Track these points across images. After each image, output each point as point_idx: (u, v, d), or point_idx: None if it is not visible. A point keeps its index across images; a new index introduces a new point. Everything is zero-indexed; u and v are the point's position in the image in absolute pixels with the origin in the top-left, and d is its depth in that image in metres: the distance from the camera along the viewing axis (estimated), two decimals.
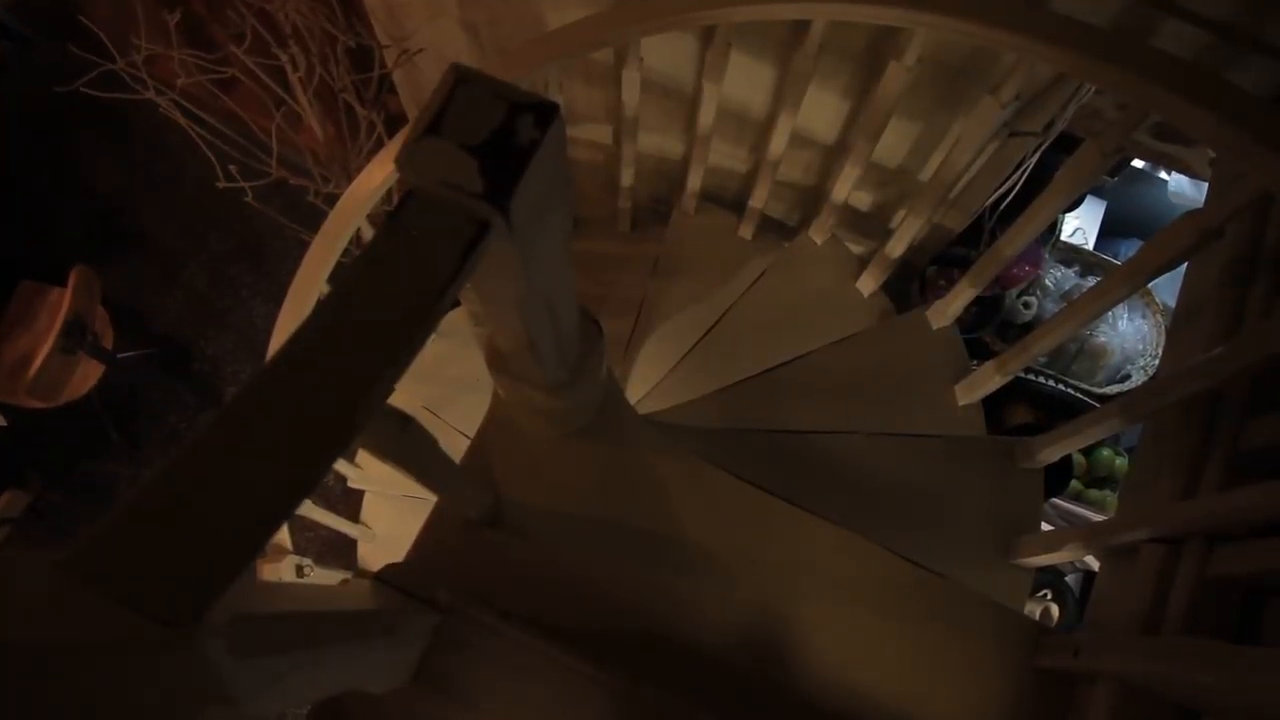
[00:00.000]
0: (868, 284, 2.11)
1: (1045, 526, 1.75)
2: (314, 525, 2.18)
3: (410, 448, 0.79)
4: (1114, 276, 1.38)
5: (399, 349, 0.62)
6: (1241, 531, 1.08)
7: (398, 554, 1.19)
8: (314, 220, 2.07)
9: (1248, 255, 1.29)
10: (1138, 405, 1.33)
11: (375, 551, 2.44)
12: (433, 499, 1.26)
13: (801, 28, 1.64)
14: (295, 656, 0.67)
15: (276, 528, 0.54)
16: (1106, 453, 2.37)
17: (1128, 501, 1.40)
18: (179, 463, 0.51)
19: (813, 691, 1.21)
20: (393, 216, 0.66)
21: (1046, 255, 2.30)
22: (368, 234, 1.91)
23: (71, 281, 2.70)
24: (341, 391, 0.58)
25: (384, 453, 0.77)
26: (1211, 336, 1.25)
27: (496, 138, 0.65)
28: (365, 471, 2.34)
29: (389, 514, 2.46)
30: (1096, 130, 1.37)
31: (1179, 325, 1.43)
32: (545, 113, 0.67)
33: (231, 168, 2.25)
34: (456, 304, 2.30)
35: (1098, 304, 1.44)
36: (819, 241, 2.17)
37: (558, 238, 0.81)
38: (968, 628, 1.27)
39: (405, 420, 0.74)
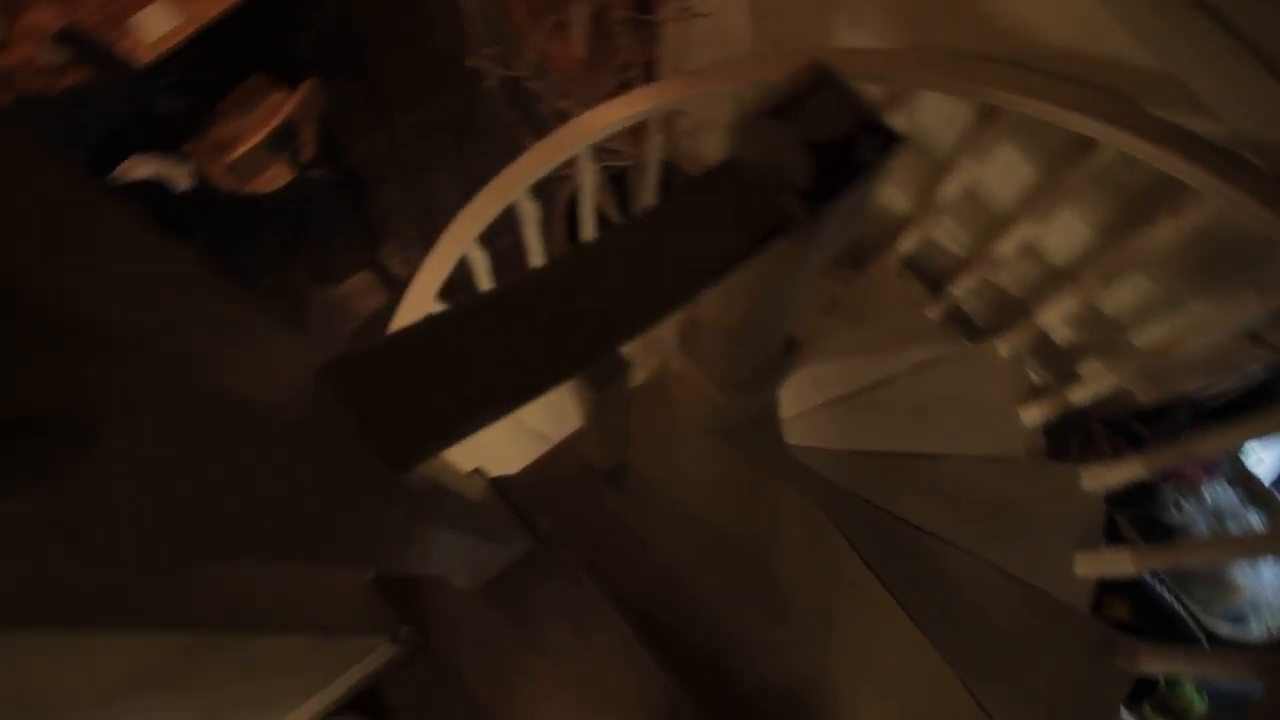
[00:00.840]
0: (1033, 415, 2.02)
1: None
2: None
3: (621, 387, 0.79)
4: None
5: (664, 304, 0.61)
6: None
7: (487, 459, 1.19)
8: (533, 127, 2.11)
9: None
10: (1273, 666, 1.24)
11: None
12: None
13: (1086, 147, 1.56)
14: (434, 528, 0.68)
15: (499, 416, 0.53)
16: (1190, 690, 2.22)
17: None
18: (460, 318, 0.52)
19: None
20: (707, 179, 0.65)
21: (1222, 466, 2.15)
22: (585, 165, 1.93)
23: (303, 90, 2.81)
24: (607, 326, 0.57)
25: (598, 404, 0.77)
26: None
27: (838, 145, 0.63)
28: None
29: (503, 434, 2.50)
30: None
31: None
32: (890, 139, 0.65)
33: (488, 51, 2.30)
34: None
35: (1269, 544, 1.34)
36: (1002, 354, 2.09)
37: (833, 252, 0.79)
38: None
39: (627, 365, 0.74)
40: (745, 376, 1.10)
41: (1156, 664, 1.53)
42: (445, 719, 1.09)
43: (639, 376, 1.32)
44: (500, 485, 1.06)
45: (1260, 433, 1.40)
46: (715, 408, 1.18)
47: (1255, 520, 2.14)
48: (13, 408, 0.24)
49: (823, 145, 0.63)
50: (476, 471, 1.04)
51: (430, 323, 0.52)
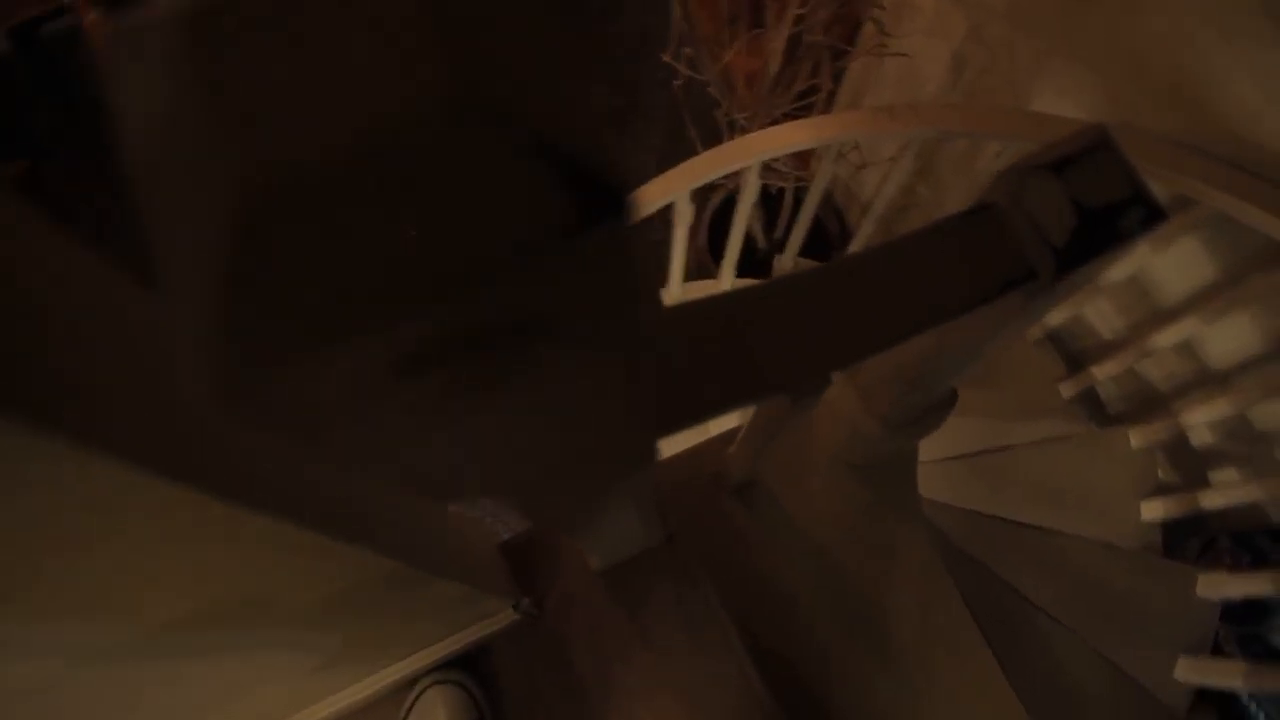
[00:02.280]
0: (1155, 511, 1.98)
1: None
2: None
3: (814, 401, 0.83)
4: None
5: (897, 334, 0.65)
6: None
7: None
8: (705, 137, 2.16)
9: None
10: None
11: None
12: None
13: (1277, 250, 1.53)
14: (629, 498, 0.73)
15: (751, 404, 0.58)
16: None
17: None
18: (758, 302, 0.57)
19: None
20: (966, 217, 0.68)
21: None
22: (751, 179, 1.97)
23: None
24: (835, 344, 0.62)
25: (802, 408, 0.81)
26: None
27: (1107, 212, 0.66)
28: None
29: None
30: None
31: None
32: (1155, 216, 0.67)
33: (687, 50, 2.35)
34: None
35: None
36: (1133, 445, 2.05)
37: (1041, 319, 0.82)
38: None
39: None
40: (903, 416, 1.12)
41: None
42: (544, 690, 1.14)
43: None
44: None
45: None
46: (862, 441, 1.20)
47: None
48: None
49: (1091, 209, 0.66)
50: None
51: (726, 300, 0.57)
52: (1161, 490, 2.01)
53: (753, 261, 2.80)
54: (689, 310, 0.62)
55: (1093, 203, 0.65)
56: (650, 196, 1.89)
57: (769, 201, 2.89)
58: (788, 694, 1.16)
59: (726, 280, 2.35)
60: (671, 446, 1.35)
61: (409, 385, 0.30)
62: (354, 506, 0.59)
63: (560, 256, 0.27)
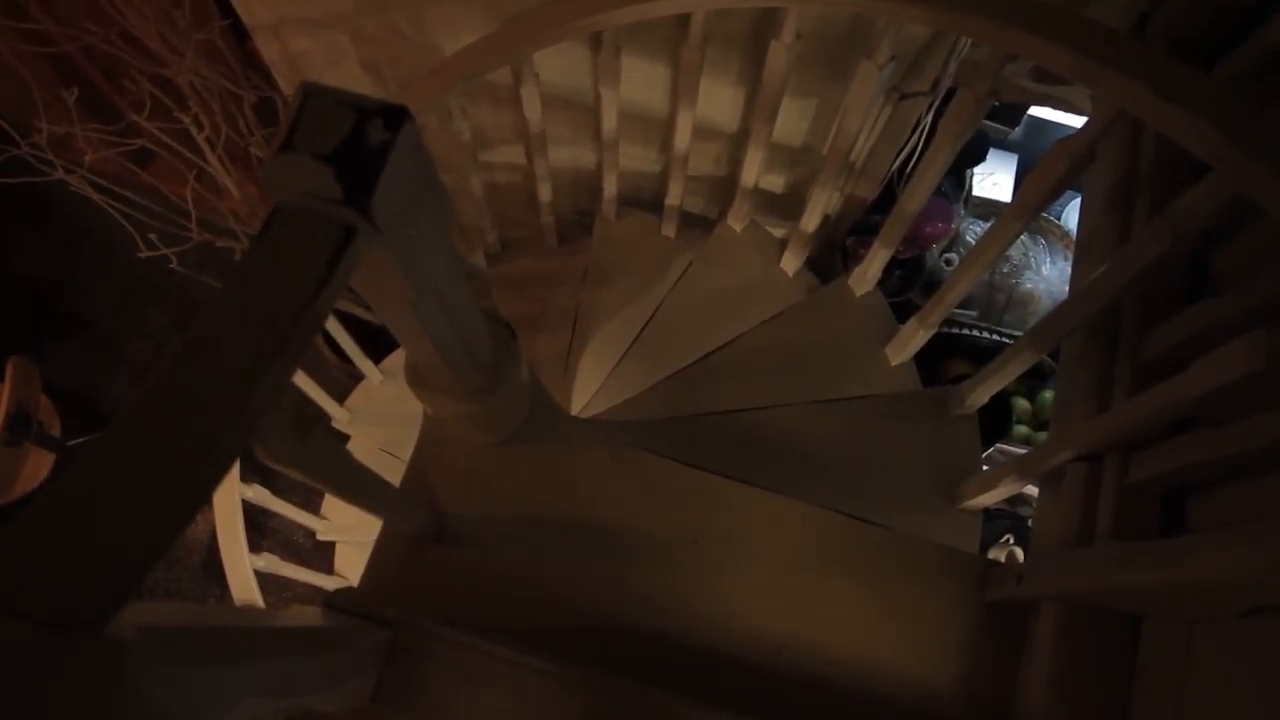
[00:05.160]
0: (791, 263, 2.15)
1: None
2: (290, 583, 2.17)
3: (320, 458, 0.81)
4: (1005, 213, 1.43)
5: (276, 358, 0.64)
6: (1154, 436, 1.13)
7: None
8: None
9: (1127, 178, 1.35)
10: (1045, 333, 1.38)
11: None
12: None
13: (685, 22, 1.69)
14: (229, 671, 0.69)
15: (174, 535, 0.56)
16: (1050, 395, 2.42)
17: (1054, 429, 1.44)
18: (68, 479, 0.53)
19: (775, 659, 1.24)
20: (260, 233, 0.68)
21: (960, 211, 2.36)
22: None
23: (9, 372, 2.67)
24: (225, 399, 0.60)
25: (297, 466, 0.79)
26: (1105, 258, 1.31)
27: (348, 144, 0.67)
28: (332, 522, 2.34)
29: (362, 563, 2.45)
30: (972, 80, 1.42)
31: (1080, 256, 1.48)
32: (393, 115, 0.70)
33: (152, 236, 2.25)
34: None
35: (997, 243, 1.48)
36: (738, 229, 2.21)
37: (436, 236, 0.84)
38: (914, 573, 1.30)
39: (306, 430, 0.76)
40: (481, 379, 1.13)
41: (978, 391, 1.66)
42: None
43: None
44: (334, 600, 1.07)
45: (939, 164, 1.54)
46: (480, 420, 1.21)
47: None
48: None
49: (332, 153, 0.67)
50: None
51: (44, 495, 0.54)
52: (783, 245, 2.19)
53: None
54: None
55: (331, 148, 0.67)
56: None
57: None
58: (594, 653, 1.16)
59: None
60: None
61: None
62: None
63: None
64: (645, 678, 1.11)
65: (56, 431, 2.89)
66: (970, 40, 1.67)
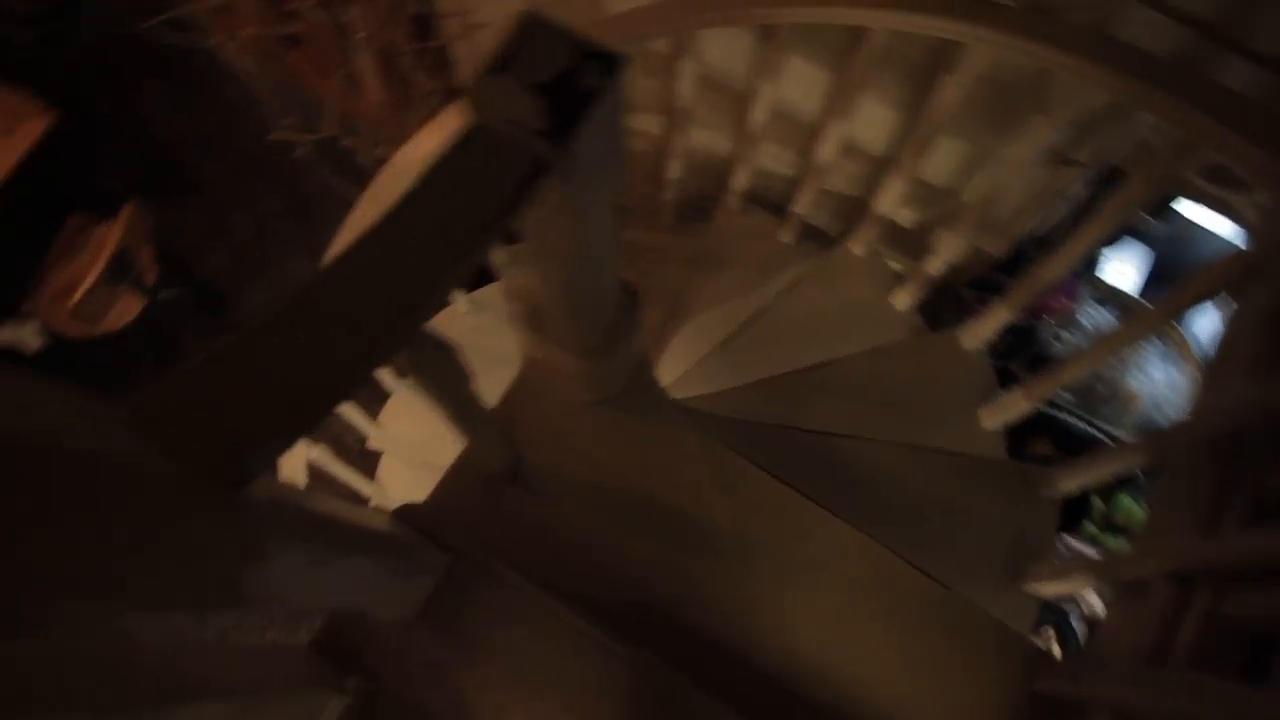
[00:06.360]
0: (903, 300, 2.10)
1: None
2: (331, 480, 2.21)
3: (447, 373, 0.81)
4: (1148, 311, 1.38)
5: (450, 268, 0.64)
6: (1256, 575, 1.07)
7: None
8: (363, 183, 2.11)
9: None
10: (1161, 442, 1.33)
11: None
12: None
13: (860, 35, 1.65)
14: (318, 550, 0.69)
15: (326, 413, 0.55)
16: (1127, 501, 2.34)
17: (1144, 537, 1.39)
18: (242, 338, 0.53)
19: (811, 683, 1.22)
20: (456, 147, 0.68)
21: (1083, 290, 2.28)
22: None
23: (125, 215, 2.75)
24: (399, 294, 0.60)
25: (415, 371, 0.79)
26: (1243, 379, 1.25)
27: (562, 80, 0.66)
28: (386, 430, 2.36)
29: (406, 479, 2.47)
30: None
31: (1216, 370, 1.41)
32: (611, 62, 0.68)
33: (286, 122, 2.28)
34: (493, 278, 2.32)
35: (1130, 337, 1.43)
36: (858, 253, 2.17)
37: (611, 193, 0.83)
38: (969, 640, 1.27)
39: (445, 346, 0.76)
40: (599, 338, 1.13)
41: (1072, 479, 1.61)
42: None
43: (510, 377, 1.34)
44: (404, 513, 1.07)
45: (1091, 240, 1.49)
46: (585, 378, 1.20)
47: None
48: None
49: (548, 84, 0.66)
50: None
51: (219, 348, 0.54)
52: (900, 280, 2.14)
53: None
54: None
55: (547, 79, 0.65)
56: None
57: None
58: (643, 632, 1.15)
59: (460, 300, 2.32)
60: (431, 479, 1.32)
61: None
62: None
63: None
64: (679, 666, 1.10)
65: (150, 282, 2.97)
66: (1150, 118, 1.61)
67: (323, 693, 0.99)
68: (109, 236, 2.73)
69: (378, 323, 0.60)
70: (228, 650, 0.82)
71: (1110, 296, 2.44)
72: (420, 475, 2.43)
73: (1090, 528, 2.27)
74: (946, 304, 2.33)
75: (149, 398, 0.50)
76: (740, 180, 2.17)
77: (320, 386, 0.56)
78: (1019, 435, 2.26)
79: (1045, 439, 2.33)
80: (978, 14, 1.37)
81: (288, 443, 0.54)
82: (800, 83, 1.88)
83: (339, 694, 1.02)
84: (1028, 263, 1.88)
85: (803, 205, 2.13)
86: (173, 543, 0.51)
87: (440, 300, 0.65)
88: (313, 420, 0.55)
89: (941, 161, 1.92)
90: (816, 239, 2.33)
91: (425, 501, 1.24)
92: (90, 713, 0.58)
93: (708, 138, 2.22)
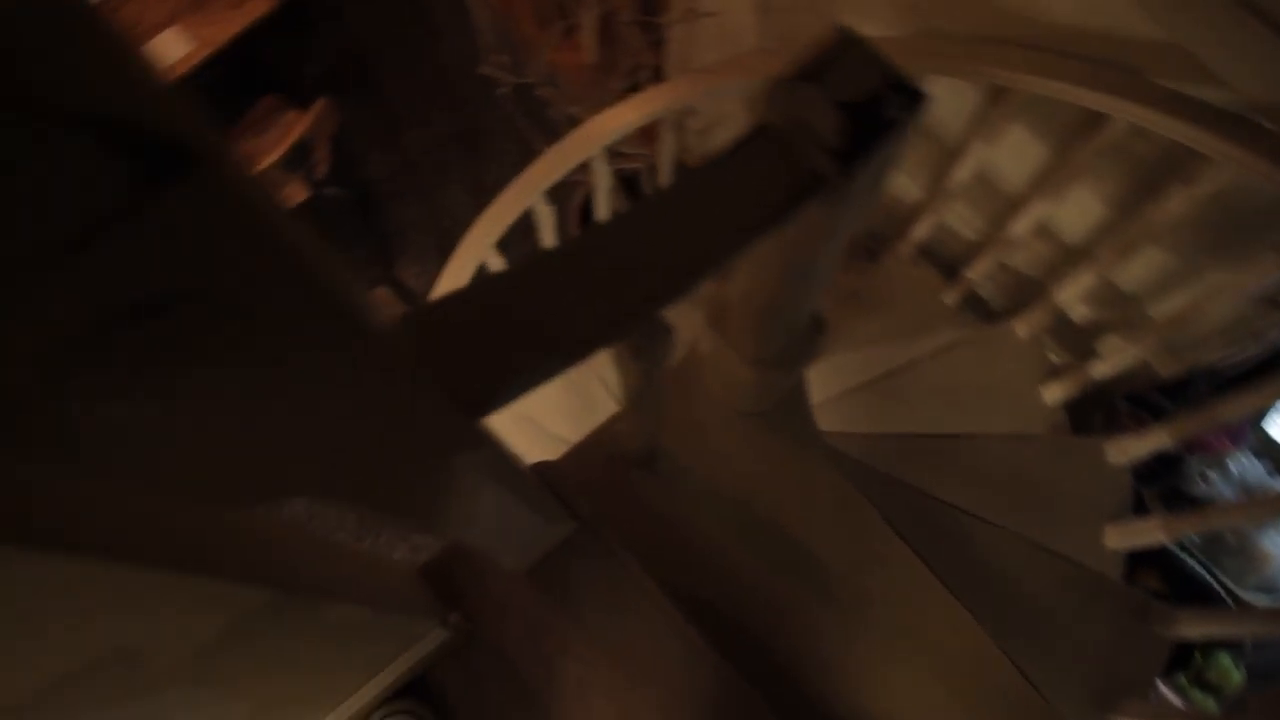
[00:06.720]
0: (1054, 393, 2.03)
1: None
2: None
3: (664, 355, 0.82)
4: None
5: (709, 260, 0.64)
6: None
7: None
8: (545, 133, 2.14)
9: None
10: None
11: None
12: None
13: (1095, 120, 1.58)
14: (493, 486, 0.70)
15: (576, 360, 0.56)
16: (1226, 661, 2.22)
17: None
18: (517, 275, 0.54)
19: None
20: (741, 143, 0.67)
21: (1249, 436, 2.16)
22: (599, 167, 1.96)
23: (316, 108, 2.86)
24: (658, 273, 0.60)
25: (645, 342, 0.79)
26: None
27: (867, 104, 0.65)
28: None
29: (509, 432, 2.51)
30: None
31: None
32: (915, 97, 0.67)
33: (496, 58, 2.33)
34: None
35: None
36: (1021, 335, 2.11)
37: (860, 222, 0.81)
38: None
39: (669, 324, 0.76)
40: (775, 354, 1.12)
41: (1195, 627, 1.54)
42: (495, 702, 1.12)
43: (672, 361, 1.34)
44: (540, 470, 1.09)
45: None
46: (746, 387, 1.20)
47: None
48: None
49: (852, 105, 0.65)
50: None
51: (492, 280, 0.55)
52: (1056, 373, 2.07)
53: None
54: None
55: (854, 99, 0.64)
56: (506, 206, 1.87)
57: (633, 186, 2.89)
58: (731, 645, 1.15)
59: None
60: (574, 434, 1.34)
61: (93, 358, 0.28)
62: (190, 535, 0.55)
63: (133, 224, 0.24)
64: (759, 686, 1.09)
65: (320, 176, 3.08)
66: None
67: (428, 621, 1.01)
68: (298, 124, 2.83)
69: (641, 298, 0.60)
70: (368, 558, 0.85)
71: (1268, 450, 2.30)
72: (524, 430, 2.46)
73: (1182, 679, 2.15)
74: (1096, 409, 2.24)
75: (425, 310, 0.51)
76: (920, 231, 2.12)
77: (578, 337, 0.56)
78: (1131, 563, 2.17)
79: (1156, 573, 2.22)
80: (1238, 133, 1.31)
81: (539, 380, 0.54)
82: (1016, 152, 1.83)
83: (441, 627, 1.04)
84: (1194, 392, 1.79)
85: (976, 272, 2.08)
86: (396, 447, 0.52)
87: (694, 286, 0.65)
88: (564, 365, 0.56)
89: (1140, 268, 1.84)
90: (977, 309, 2.27)
91: (558, 462, 1.26)
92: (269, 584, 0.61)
93: (901, 182, 2.18)
